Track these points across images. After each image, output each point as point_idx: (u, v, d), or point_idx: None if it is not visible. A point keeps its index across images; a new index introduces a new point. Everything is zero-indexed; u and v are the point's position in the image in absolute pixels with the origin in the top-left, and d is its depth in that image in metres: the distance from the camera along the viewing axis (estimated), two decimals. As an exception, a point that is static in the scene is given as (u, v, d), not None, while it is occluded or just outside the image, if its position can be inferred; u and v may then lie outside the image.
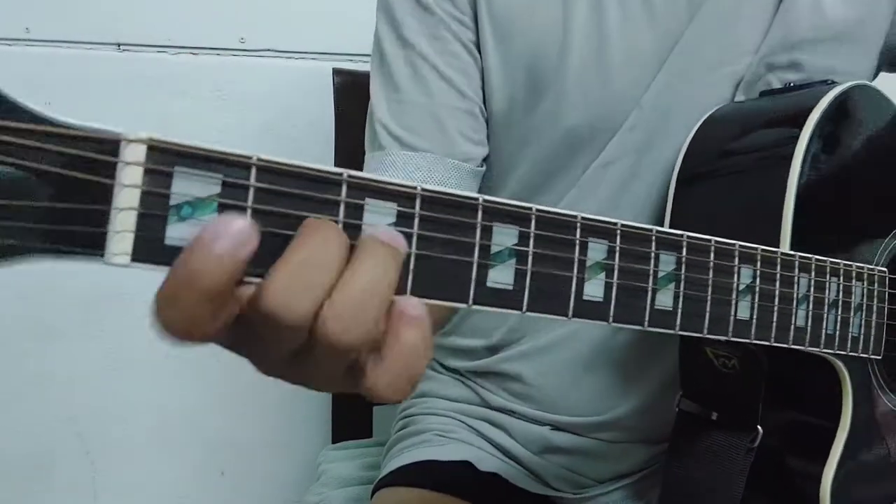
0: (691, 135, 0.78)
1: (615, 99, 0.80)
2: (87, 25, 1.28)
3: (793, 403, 0.76)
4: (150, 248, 0.33)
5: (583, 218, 0.48)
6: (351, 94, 1.16)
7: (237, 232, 0.33)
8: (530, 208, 0.45)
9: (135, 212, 0.32)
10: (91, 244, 0.32)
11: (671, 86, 0.80)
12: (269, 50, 1.32)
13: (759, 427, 0.72)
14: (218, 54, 1.31)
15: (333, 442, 1.18)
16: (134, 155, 0.32)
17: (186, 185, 0.33)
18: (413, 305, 0.39)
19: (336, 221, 0.37)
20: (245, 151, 0.35)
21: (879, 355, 0.74)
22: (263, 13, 1.31)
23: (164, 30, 1.29)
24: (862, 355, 0.71)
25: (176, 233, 0.34)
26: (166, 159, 0.33)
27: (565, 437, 0.89)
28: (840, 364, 0.71)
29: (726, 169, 0.77)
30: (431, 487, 0.87)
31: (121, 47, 1.30)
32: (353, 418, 1.18)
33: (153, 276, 1.16)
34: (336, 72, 1.17)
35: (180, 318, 0.34)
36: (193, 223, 0.34)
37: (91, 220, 0.32)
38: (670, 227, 0.76)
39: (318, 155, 1.30)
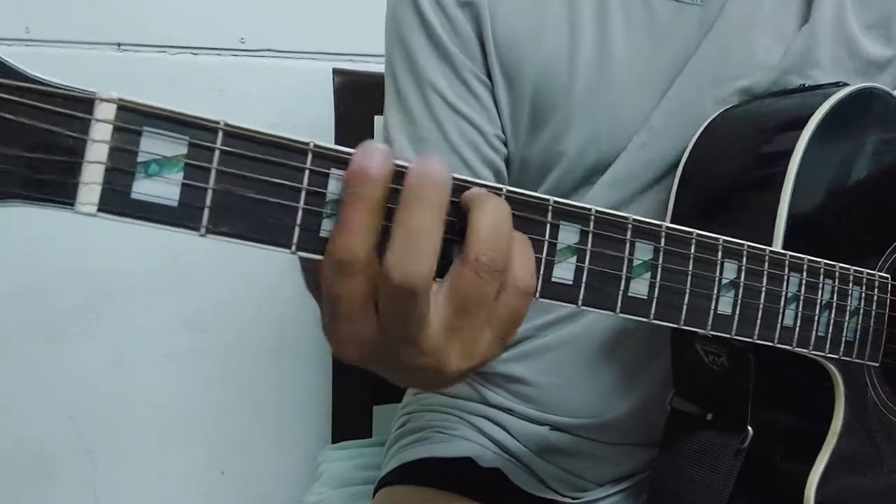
0: (695, 137, 0.82)
1: (622, 119, 0.84)
2: (87, 25, 1.32)
3: (785, 406, 0.78)
4: (116, 200, 0.38)
5: (555, 201, 0.52)
6: (351, 94, 1.20)
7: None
8: (501, 189, 0.49)
9: (103, 166, 0.37)
10: (63, 194, 0.37)
11: (681, 104, 0.83)
12: (269, 50, 1.36)
13: (749, 428, 0.74)
14: (218, 54, 1.35)
15: (333, 442, 1.21)
16: (104, 113, 0.37)
17: (154, 145, 0.38)
18: None
19: (300, 189, 0.42)
20: (213, 117, 0.39)
21: (877, 362, 0.76)
22: (263, 13, 1.35)
23: (164, 30, 1.33)
24: (857, 360, 0.74)
25: (143, 188, 0.38)
26: (135, 119, 0.38)
27: (564, 438, 0.92)
28: (833, 368, 0.73)
29: (727, 173, 0.80)
30: (433, 485, 0.90)
31: (121, 47, 1.34)
32: (353, 418, 1.22)
33: (154, 277, 1.20)
34: (336, 72, 1.21)
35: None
36: (160, 180, 0.38)
37: (64, 170, 0.36)
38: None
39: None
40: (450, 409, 0.98)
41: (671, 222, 0.78)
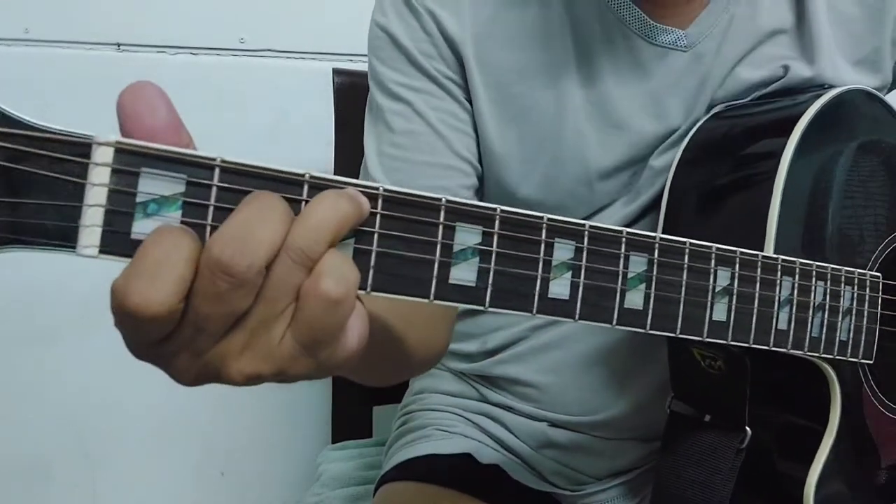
0: (684, 143, 0.82)
1: (617, 156, 0.84)
2: (87, 25, 1.32)
3: (782, 406, 0.79)
4: (117, 241, 0.38)
5: (549, 219, 0.52)
6: (351, 94, 1.18)
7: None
8: (494, 209, 0.50)
9: (102, 209, 0.37)
10: (64, 237, 0.37)
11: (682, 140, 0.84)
12: (269, 50, 1.36)
13: (747, 428, 0.75)
14: (218, 54, 1.35)
15: (333, 442, 1.21)
16: (103, 156, 0.37)
17: (152, 185, 0.38)
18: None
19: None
20: (209, 153, 0.40)
21: (871, 360, 0.76)
22: (263, 13, 1.34)
23: (163, 30, 1.33)
24: (851, 360, 0.74)
25: (142, 228, 0.39)
26: (133, 160, 0.38)
27: (563, 434, 0.93)
28: (828, 368, 0.73)
29: (717, 177, 0.80)
30: (434, 481, 0.91)
31: (120, 47, 1.34)
32: (353, 418, 1.22)
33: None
34: (336, 72, 1.20)
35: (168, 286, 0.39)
36: (159, 219, 0.39)
37: (65, 215, 0.37)
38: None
39: (318, 155, 1.33)
40: (449, 408, 0.99)
41: (662, 228, 0.80)
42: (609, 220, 0.86)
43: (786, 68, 0.84)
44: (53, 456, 1.43)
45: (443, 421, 0.98)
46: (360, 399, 1.22)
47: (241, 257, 0.39)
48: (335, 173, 1.22)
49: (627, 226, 0.84)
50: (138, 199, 0.38)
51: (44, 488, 1.43)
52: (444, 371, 1.02)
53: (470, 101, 0.85)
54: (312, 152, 1.36)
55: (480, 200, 0.88)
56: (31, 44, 1.32)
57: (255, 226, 0.39)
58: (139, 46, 1.34)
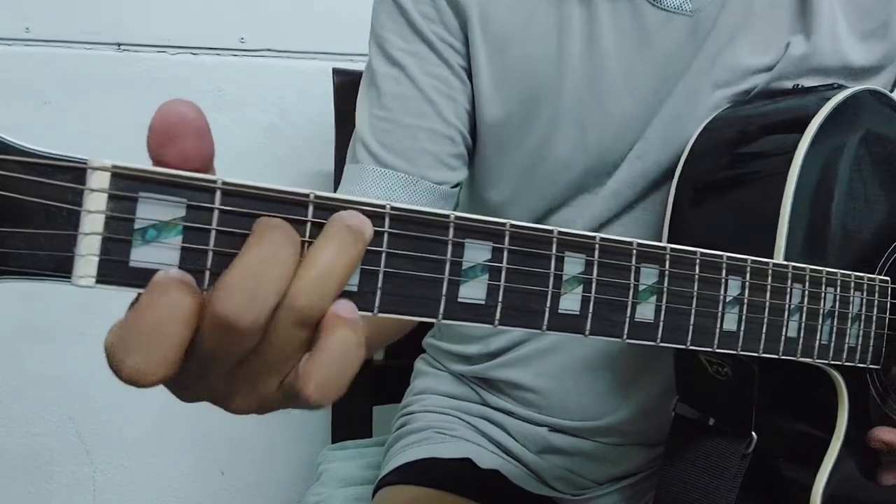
0: (691, 141, 0.80)
1: (613, 125, 0.82)
2: (87, 25, 1.31)
3: (789, 411, 0.77)
4: (114, 270, 0.36)
5: (559, 232, 0.50)
6: (351, 93, 1.15)
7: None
8: (504, 224, 0.47)
9: (99, 237, 0.35)
10: (58, 267, 0.35)
11: (677, 115, 0.81)
12: (269, 50, 1.34)
13: (753, 434, 0.73)
14: (218, 54, 1.33)
15: (333, 442, 1.19)
16: (98, 182, 0.34)
17: (151, 210, 0.36)
18: (345, 307, 0.40)
19: (304, 242, 0.39)
20: (209, 175, 0.37)
21: (878, 365, 0.75)
22: (263, 13, 1.33)
23: (164, 30, 1.32)
24: (859, 365, 0.72)
25: (141, 256, 0.36)
26: (130, 185, 0.35)
27: (564, 439, 0.91)
28: (836, 374, 0.72)
29: (725, 178, 0.78)
30: (433, 485, 0.89)
31: (121, 47, 1.32)
32: (353, 418, 1.20)
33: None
34: (336, 72, 1.19)
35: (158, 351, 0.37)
36: (158, 246, 0.36)
37: (59, 244, 0.34)
38: (668, 237, 0.78)
39: (318, 155, 1.33)
40: (449, 410, 0.98)
41: (669, 226, 0.78)
42: (606, 204, 0.84)
43: (786, 45, 0.82)
44: (54, 454, 1.42)
45: (442, 423, 0.96)
46: (360, 399, 1.20)
47: (246, 314, 0.36)
48: (336, 173, 1.20)
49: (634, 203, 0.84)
50: (137, 226, 0.36)
51: (44, 485, 1.42)
52: (444, 372, 1.00)
53: (468, 69, 0.83)
54: (312, 152, 1.35)
55: (473, 168, 0.88)
56: (31, 43, 1.31)
57: (263, 274, 0.37)
58: (139, 46, 1.33)
